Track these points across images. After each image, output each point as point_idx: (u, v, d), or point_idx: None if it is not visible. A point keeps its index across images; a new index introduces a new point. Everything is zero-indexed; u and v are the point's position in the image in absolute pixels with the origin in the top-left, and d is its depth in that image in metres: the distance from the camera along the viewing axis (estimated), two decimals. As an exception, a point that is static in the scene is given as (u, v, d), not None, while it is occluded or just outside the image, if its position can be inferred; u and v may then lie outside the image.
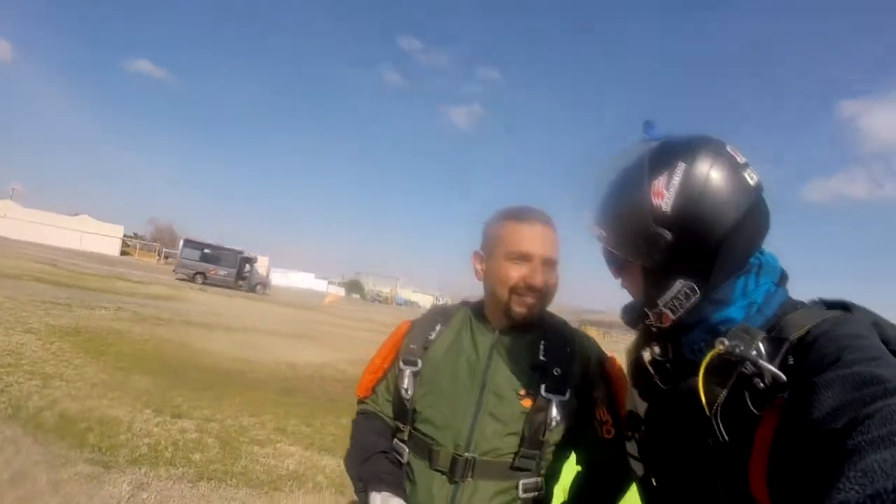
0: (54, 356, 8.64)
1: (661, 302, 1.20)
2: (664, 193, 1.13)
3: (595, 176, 1.30)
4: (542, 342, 1.69)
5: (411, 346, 1.75)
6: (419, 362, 1.71)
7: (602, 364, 1.73)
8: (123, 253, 74.05)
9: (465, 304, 1.89)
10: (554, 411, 1.58)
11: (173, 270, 44.26)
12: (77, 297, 16.67)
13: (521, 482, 1.60)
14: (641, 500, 1.42)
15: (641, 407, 1.39)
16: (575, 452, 1.74)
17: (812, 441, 0.78)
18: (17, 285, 16.88)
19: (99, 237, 69.19)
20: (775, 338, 1.04)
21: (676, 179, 1.12)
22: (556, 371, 1.63)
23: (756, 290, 1.15)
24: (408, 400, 1.69)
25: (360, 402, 1.90)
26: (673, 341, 1.28)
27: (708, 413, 1.06)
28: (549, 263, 1.66)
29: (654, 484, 1.33)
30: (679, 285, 1.16)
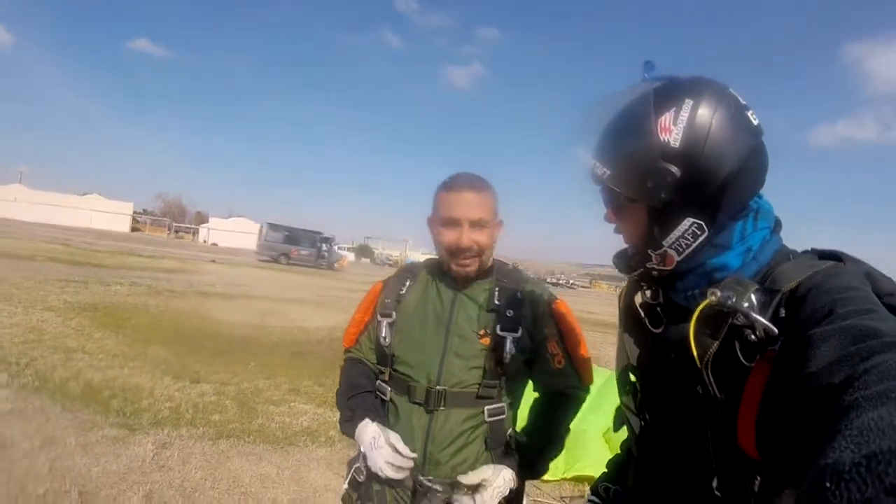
0: (74, 331, 8.94)
1: (666, 242, 1.18)
2: (672, 129, 1.10)
3: (595, 115, 1.24)
4: (497, 289, 1.95)
5: (386, 300, 2.02)
6: (393, 314, 1.99)
7: (551, 305, 1.98)
8: (134, 229, 74.17)
9: (429, 261, 2.13)
10: (508, 346, 1.85)
11: (256, 252, 45.80)
12: (92, 275, 16.95)
13: (486, 408, 1.89)
14: (635, 454, 1.48)
15: (633, 356, 1.40)
16: (531, 381, 2.03)
17: (806, 396, 0.78)
18: (32, 266, 17.14)
19: (109, 215, 69.21)
20: (767, 289, 1.04)
21: (684, 115, 1.10)
22: (509, 312, 1.89)
23: (753, 235, 1.17)
24: (386, 346, 1.98)
25: (347, 351, 2.18)
26: (666, 286, 1.30)
27: (699, 364, 1.08)
28: (478, 224, 1.87)
29: (649, 434, 1.36)
30: (687, 223, 1.15)
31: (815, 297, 0.95)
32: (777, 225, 1.22)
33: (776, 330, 0.98)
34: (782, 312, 1.00)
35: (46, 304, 10.95)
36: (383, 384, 2.01)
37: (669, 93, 1.14)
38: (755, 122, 1.14)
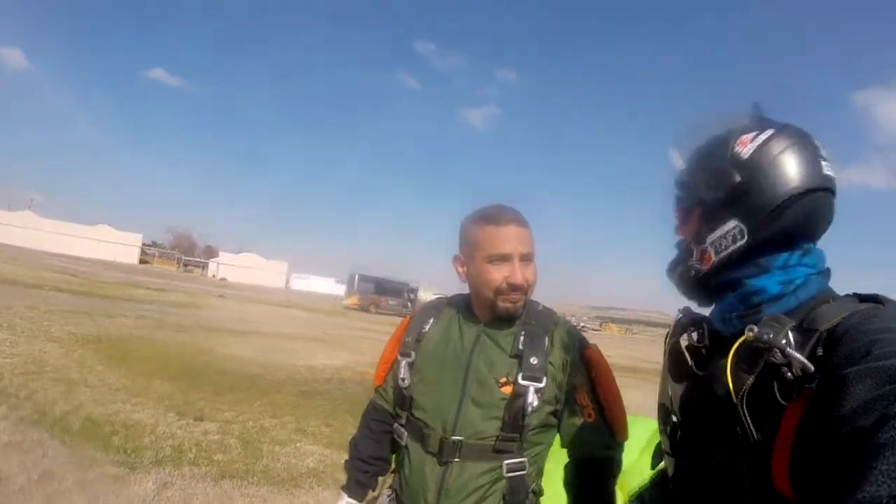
0: (77, 363, 8.79)
1: (709, 239, 1.26)
2: (748, 144, 1.21)
3: (695, 126, 1.39)
4: (523, 333, 1.78)
5: (407, 339, 1.91)
6: (413, 353, 1.86)
7: (583, 352, 1.81)
8: (142, 261, 74.66)
9: (456, 296, 1.99)
10: (531, 397, 1.68)
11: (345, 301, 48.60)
12: (98, 306, 16.88)
13: (504, 462, 1.71)
14: (673, 491, 1.44)
15: (675, 398, 1.40)
16: (559, 435, 1.83)
17: (840, 434, 0.77)
18: (37, 295, 17.12)
19: (118, 246, 69.77)
20: (806, 328, 1.06)
21: (762, 138, 1.20)
22: (533, 360, 1.72)
23: (796, 269, 1.19)
24: (405, 388, 1.85)
25: (376, 390, 2.07)
26: (705, 301, 1.36)
27: (734, 399, 1.09)
28: (527, 259, 1.76)
29: (684, 476, 1.35)
30: (731, 224, 1.21)
31: (852, 338, 0.95)
32: (826, 271, 1.24)
33: (812, 367, 0.98)
34: (819, 351, 1.01)
35: (50, 334, 10.84)
36: (400, 428, 1.88)
37: (760, 121, 1.26)
38: (825, 172, 1.19)
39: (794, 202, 1.16)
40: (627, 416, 1.80)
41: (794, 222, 1.18)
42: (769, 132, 1.21)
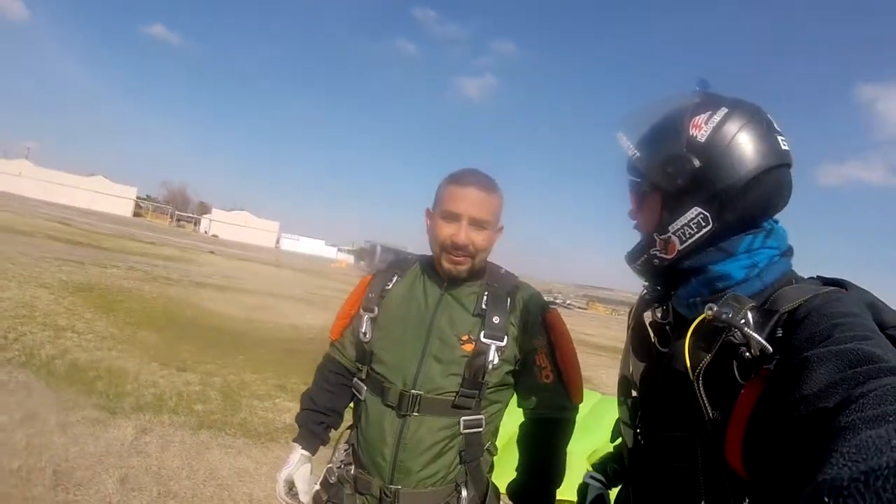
0: (66, 310, 8.92)
1: (672, 228, 1.23)
2: (703, 127, 1.19)
3: (641, 111, 1.34)
4: (486, 294, 1.82)
5: (370, 294, 1.93)
6: (376, 309, 1.89)
7: (543, 314, 1.86)
8: (136, 215, 74.26)
9: (421, 256, 2.03)
10: (492, 355, 1.73)
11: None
12: (89, 256, 16.96)
13: (462, 419, 1.76)
14: (627, 466, 1.48)
15: (636, 372, 1.42)
16: (517, 395, 1.90)
17: (799, 417, 0.77)
18: (30, 242, 17.17)
19: (112, 198, 69.32)
20: (766, 309, 1.06)
21: (716, 118, 1.18)
22: (496, 319, 1.77)
23: (760, 251, 1.19)
24: (366, 343, 1.89)
25: (332, 344, 2.13)
26: (669, 287, 1.33)
27: (691, 377, 1.10)
28: (478, 224, 1.77)
29: (641, 450, 1.37)
30: (694, 212, 1.19)
31: (813, 321, 0.95)
32: (789, 251, 1.24)
33: (770, 348, 0.99)
34: (779, 332, 1.01)
35: (41, 281, 10.94)
36: (360, 382, 1.92)
37: (710, 100, 1.23)
38: (783, 147, 1.19)
39: (756, 183, 1.15)
40: (604, 397, 1.87)
41: (756, 203, 1.18)
42: (723, 111, 1.19)
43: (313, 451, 2.02)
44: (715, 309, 1.07)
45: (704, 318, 1.10)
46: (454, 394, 1.74)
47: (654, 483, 1.29)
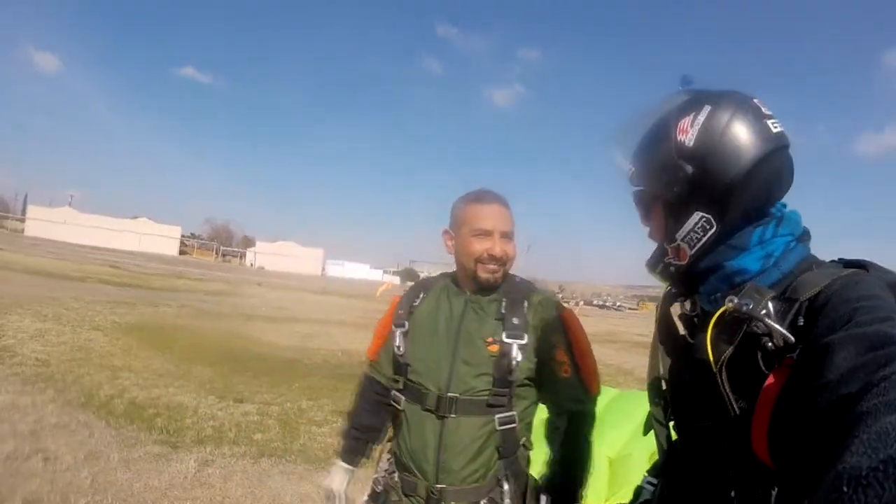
0: (121, 350, 9.05)
1: (679, 235, 1.23)
2: (689, 131, 1.18)
3: (632, 122, 1.35)
4: (504, 300, 1.98)
5: (399, 311, 2.11)
6: (406, 324, 2.06)
7: (559, 313, 2.00)
8: (182, 252, 75.62)
9: (443, 275, 2.21)
10: (515, 351, 1.88)
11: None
12: (140, 296, 17.28)
13: (496, 416, 1.90)
14: (661, 462, 1.47)
15: (665, 367, 1.41)
16: (539, 390, 2.01)
17: (822, 403, 0.76)
18: (82, 287, 17.57)
19: (158, 238, 70.76)
20: (787, 298, 1.05)
21: (701, 118, 1.17)
22: (515, 320, 1.93)
23: (773, 241, 1.17)
24: (400, 356, 2.04)
25: (369, 364, 2.28)
26: (691, 289, 1.32)
27: (714, 369, 1.11)
28: (506, 236, 1.98)
29: (674, 445, 1.37)
30: (696, 217, 1.19)
31: (834, 306, 0.95)
32: (804, 234, 1.22)
33: (792, 338, 0.98)
34: (801, 321, 1.01)
35: (94, 323, 11.16)
36: (398, 394, 2.05)
37: (693, 100, 1.22)
38: (774, 131, 1.17)
39: (753, 174, 1.15)
40: (624, 392, 1.88)
41: (757, 194, 1.17)
42: (706, 109, 1.18)
43: (354, 464, 2.19)
44: (735, 301, 1.07)
45: (725, 310, 1.10)
46: (487, 393, 1.89)
47: (686, 475, 1.29)
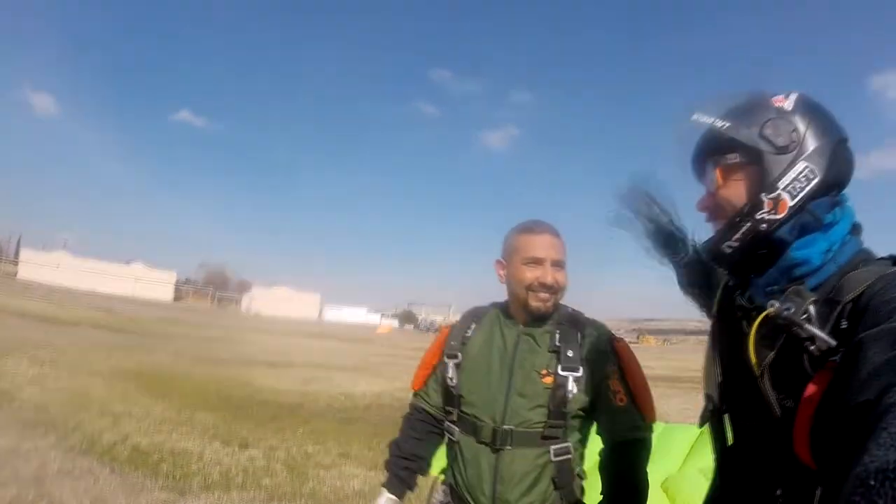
0: (121, 396, 8.92)
1: (781, 184, 1.20)
2: (784, 101, 1.23)
3: (712, 98, 1.35)
4: (558, 331, 1.98)
5: (452, 342, 2.09)
6: (459, 355, 2.05)
7: (612, 343, 2.01)
8: (177, 298, 75.18)
9: (493, 305, 2.18)
10: (570, 384, 1.89)
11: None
12: (136, 342, 17.14)
13: (552, 448, 1.89)
14: (717, 459, 1.44)
15: (713, 372, 1.40)
16: (595, 420, 2.01)
17: (854, 398, 0.76)
18: (76, 332, 17.44)
19: (152, 283, 70.34)
20: (830, 299, 1.06)
21: (793, 97, 1.23)
22: (570, 353, 1.93)
23: (834, 230, 1.18)
24: (453, 387, 2.03)
25: (414, 394, 2.26)
26: (748, 281, 1.29)
27: (755, 373, 1.13)
28: (558, 265, 2.00)
29: (727, 440, 1.35)
30: (801, 165, 1.18)
31: (875, 307, 0.94)
32: (857, 227, 1.24)
33: (833, 343, 0.99)
34: (844, 324, 1.01)
35: (92, 369, 11.04)
36: (451, 425, 2.05)
37: (777, 91, 1.27)
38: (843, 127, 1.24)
39: (840, 149, 1.20)
40: (668, 425, 1.88)
41: (841, 169, 1.21)
42: (794, 93, 1.24)
43: (399, 495, 2.12)
44: (777, 306, 1.09)
45: (767, 315, 1.11)
46: (542, 425, 1.89)
47: (740, 474, 1.28)
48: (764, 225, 1.23)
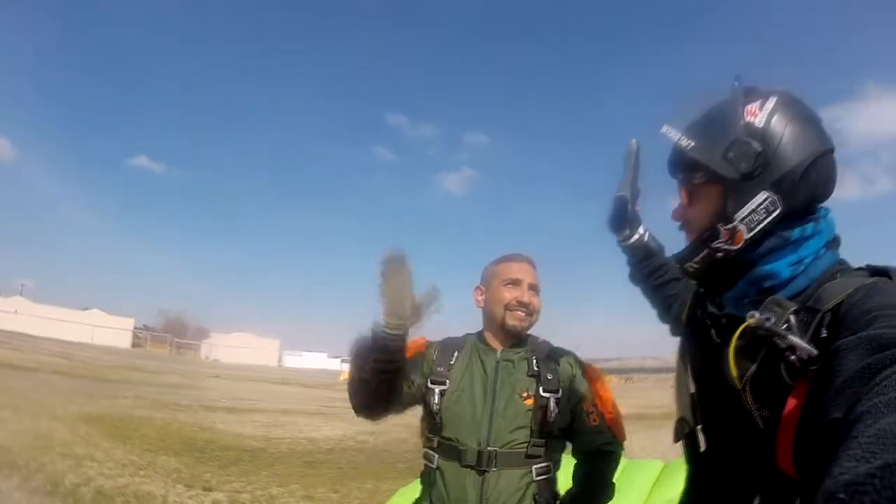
0: (83, 440, 8.82)
1: (738, 216, 1.18)
2: (757, 113, 1.18)
3: (685, 107, 1.35)
4: (535, 357, 2.14)
5: (439, 368, 2.14)
6: (447, 382, 2.11)
7: (583, 368, 2.21)
8: (135, 345, 73.47)
9: (468, 335, 2.31)
10: (552, 405, 2.02)
11: None
12: (96, 388, 16.77)
13: (533, 467, 2.02)
14: (689, 469, 1.43)
15: (695, 367, 1.39)
16: (570, 440, 2.17)
17: (830, 407, 0.75)
18: (36, 378, 17.01)
19: (111, 330, 68.75)
20: (809, 308, 1.05)
21: (769, 105, 1.18)
22: (549, 376, 2.09)
23: (806, 245, 1.17)
24: (436, 413, 2.07)
25: None
26: (719, 292, 1.30)
27: (738, 386, 1.11)
28: (534, 289, 2.21)
29: (700, 450, 1.33)
30: (762, 196, 1.15)
31: (854, 316, 0.94)
32: (835, 241, 1.22)
33: (815, 352, 0.98)
34: (823, 333, 1.00)
35: (53, 413, 10.81)
36: (430, 451, 2.10)
37: (757, 91, 1.23)
38: (828, 133, 1.21)
39: (814, 166, 1.15)
40: (631, 461, 2.00)
41: (815, 186, 1.18)
42: (773, 98, 1.19)
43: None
44: (757, 316, 1.07)
45: (748, 326, 1.09)
46: (526, 444, 2.01)
47: (713, 484, 1.29)
48: (720, 254, 1.23)
